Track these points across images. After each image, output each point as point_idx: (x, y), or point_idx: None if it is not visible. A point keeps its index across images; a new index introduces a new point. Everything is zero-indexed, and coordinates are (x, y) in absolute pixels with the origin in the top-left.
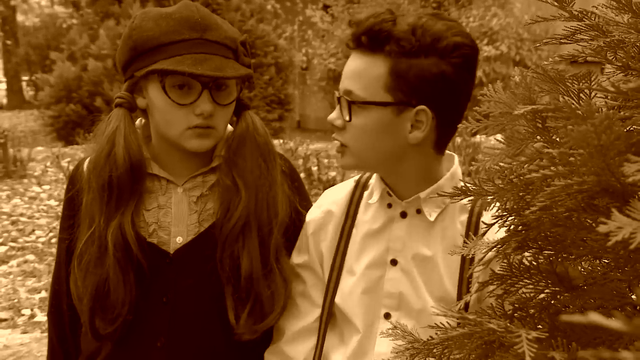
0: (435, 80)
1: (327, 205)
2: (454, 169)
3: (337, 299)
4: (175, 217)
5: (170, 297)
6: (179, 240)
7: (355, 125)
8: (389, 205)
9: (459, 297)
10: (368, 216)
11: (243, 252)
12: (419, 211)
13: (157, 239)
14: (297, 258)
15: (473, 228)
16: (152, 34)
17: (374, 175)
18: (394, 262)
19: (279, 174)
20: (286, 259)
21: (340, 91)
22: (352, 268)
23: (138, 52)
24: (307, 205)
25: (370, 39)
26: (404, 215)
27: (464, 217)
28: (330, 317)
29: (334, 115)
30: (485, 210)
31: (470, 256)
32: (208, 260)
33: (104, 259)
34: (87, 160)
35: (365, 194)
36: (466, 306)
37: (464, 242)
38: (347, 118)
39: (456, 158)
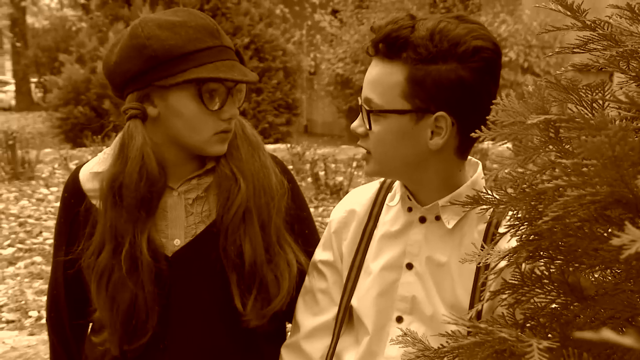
0: (453, 87)
1: (351, 204)
2: (475, 177)
3: (353, 301)
4: (171, 220)
5: (171, 300)
6: (177, 242)
7: (376, 133)
8: (409, 209)
9: (471, 306)
10: (388, 218)
11: (245, 239)
12: (438, 217)
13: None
14: (321, 254)
15: (490, 238)
16: (174, 42)
17: None
18: (409, 266)
19: (267, 159)
20: (288, 242)
21: (361, 99)
22: (369, 268)
23: (159, 61)
24: (303, 204)
25: (388, 46)
26: (422, 220)
27: (482, 227)
28: (345, 317)
29: (356, 124)
30: (502, 220)
31: (484, 265)
32: (208, 259)
33: (137, 273)
34: (87, 173)
35: (389, 196)
36: (478, 315)
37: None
38: (367, 126)
39: (480, 166)
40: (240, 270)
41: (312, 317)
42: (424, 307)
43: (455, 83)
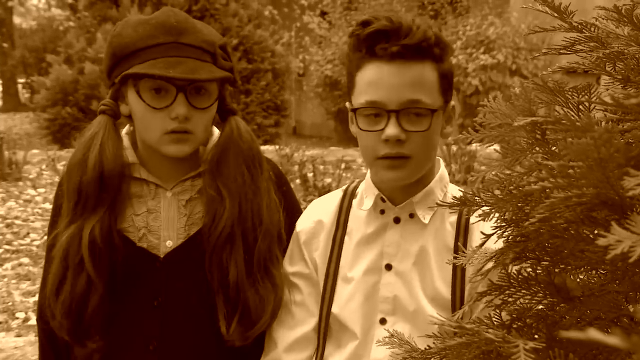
0: (453, 77)
1: (317, 215)
2: (441, 171)
3: (334, 309)
4: (164, 221)
5: (162, 301)
6: (169, 244)
7: (425, 134)
8: (382, 212)
9: (453, 298)
10: (360, 224)
11: (230, 261)
12: (411, 215)
13: (147, 244)
14: (289, 267)
15: (462, 229)
16: (129, 40)
17: (363, 183)
18: (388, 267)
19: (264, 182)
20: (276, 265)
21: (396, 104)
22: (348, 276)
23: (118, 58)
24: (296, 209)
25: (417, 48)
26: (397, 220)
27: (453, 219)
28: (327, 326)
29: (397, 131)
30: (472, 214)
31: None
32: (198, 264)
33: (65, 264)
34: None
35: (354, 202)
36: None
37: (458, 250)
38: (427, 127)
39: (442, 161)
40: (225, 292)
41: (289, 331)
42: (406, 304)
43: (453, 74)
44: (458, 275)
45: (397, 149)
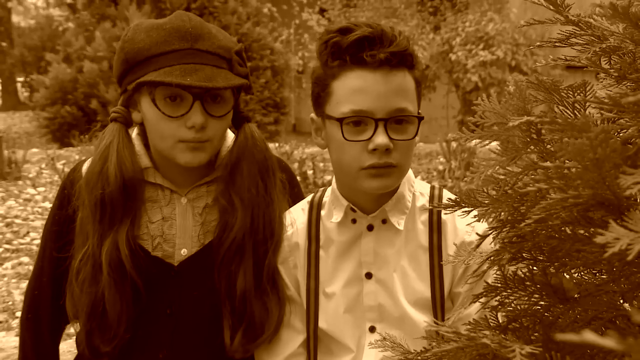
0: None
1: (289, 237)
2: (407, 174)
3: (322, 324)
4: (180, 229)
5: (175, 309)
6: (184, 252)
7: (410, 142)
8: (354, 221)
9: (433, 296)
10: (333, 235)
11: (239, 272)
12: (384, 221)
13: (162, 252)
14: None
15: (435, 227)
16: (142, 45)
17: (328, 194)
18: (368, 276)
19: (278, 193)
20: (283, 278)
21: (384, 113)
22: (329, 290)
23: (130, 64)
24: None
25: (402, 56)
26: (370, 228)
27: (425, 217)
28: (317, 341)
29: (386, 140)
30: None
31: (437, 255)
32: (211, 274)
33: (98, 278)
34: (83, 170)
35: (322, 213)
36: (442, 306)
37: (433, 248)
38: (413, 135)
39: None
40: (232, 302)
41: (278, 353)
42: (391, 311)
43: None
44: (436, 273)
45: (384, 158)
